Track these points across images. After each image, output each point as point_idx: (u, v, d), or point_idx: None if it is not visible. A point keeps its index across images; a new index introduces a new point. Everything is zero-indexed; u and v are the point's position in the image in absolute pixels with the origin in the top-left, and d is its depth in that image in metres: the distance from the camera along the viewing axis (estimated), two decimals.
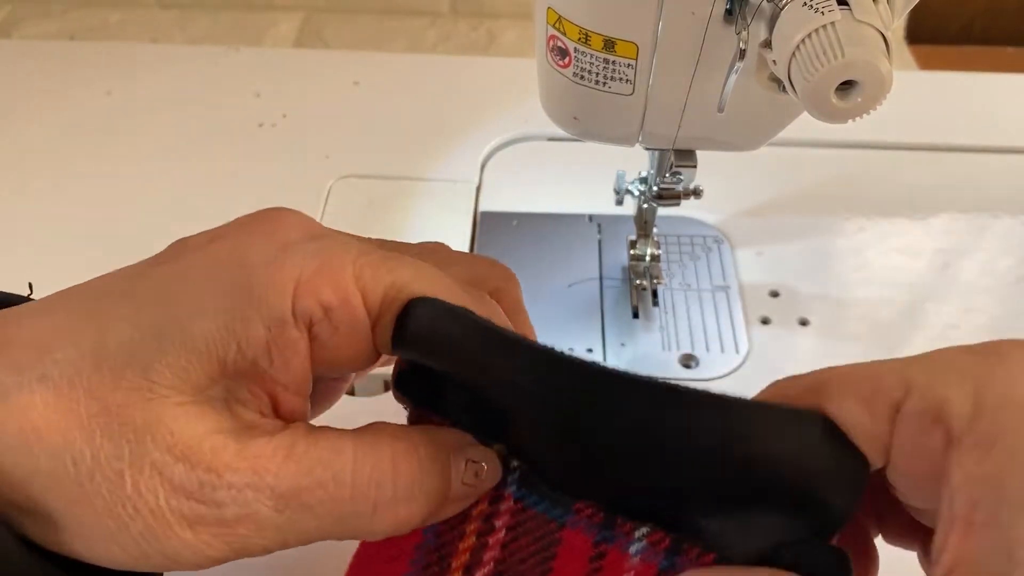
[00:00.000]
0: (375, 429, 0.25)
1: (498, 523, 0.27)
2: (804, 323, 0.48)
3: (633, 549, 0.26)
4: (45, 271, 0.51)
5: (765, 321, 0.48)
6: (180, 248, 0.27)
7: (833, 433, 0.24)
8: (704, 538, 0.25)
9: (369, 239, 0.28)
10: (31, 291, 0.27)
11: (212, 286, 0.23)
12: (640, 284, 0.49)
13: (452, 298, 0.25)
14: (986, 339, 0.49)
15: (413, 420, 0.28)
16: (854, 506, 0.24)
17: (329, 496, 0.23)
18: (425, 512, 0.25)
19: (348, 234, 0.27)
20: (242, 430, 0.23)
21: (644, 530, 0.26)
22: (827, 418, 0.23)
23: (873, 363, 0.24)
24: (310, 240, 0.25)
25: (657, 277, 0.49)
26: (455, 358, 0.25)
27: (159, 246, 0.52)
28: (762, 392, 0.26)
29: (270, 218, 0.26)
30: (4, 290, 0.27)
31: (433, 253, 0.29)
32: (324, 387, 0.29)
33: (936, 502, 0.22)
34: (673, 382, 0.24)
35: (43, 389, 0.22)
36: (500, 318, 0.28)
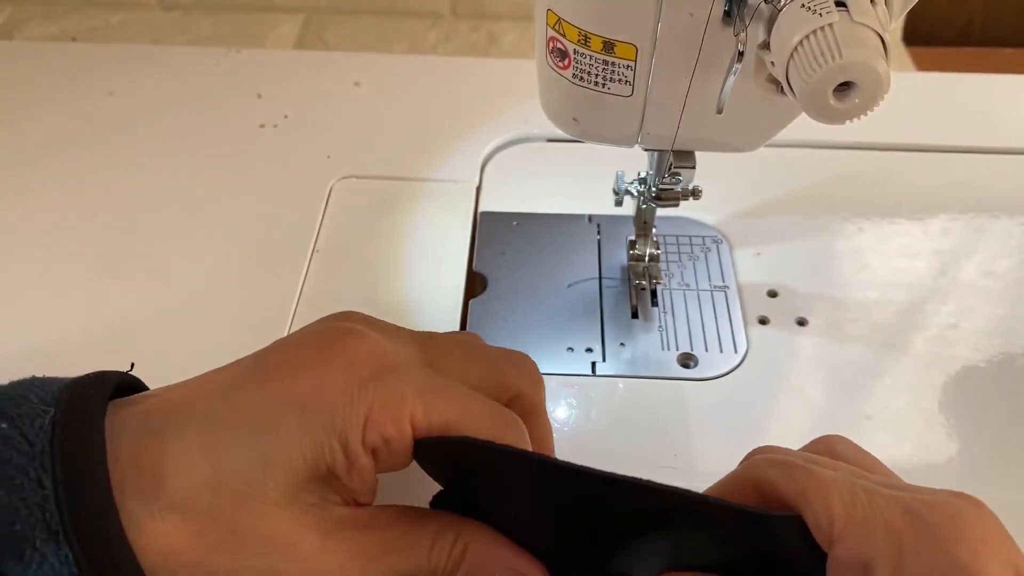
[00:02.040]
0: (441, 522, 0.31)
1: None
2: (802, 323, 0.48)
3: None
4: (47, 271, 0.51)
5: (763, 321, 0.48)
6: (261, 369, 0.30)
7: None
8: None
9: (420, 342, 0.33)
10: (132, 368, 0.31)
11: (302, 421, 0.28)
12: (639, 284, 0.49)
13: (483, 431, 0.30)
14: (985, 339, 0.49)
15: None
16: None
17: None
18: None
19: (408, 356, 0.32)
20: (331, 517, 0.29)
21: None
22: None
23: (817, 485, 0.27)
24: (378, 378, 0.29)
25: (656, 277, 0.49)
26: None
27: (160, 246, 0.53)
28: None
29: (345, 347, 0.30)
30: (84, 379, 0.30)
31: (465, 347, 0.34)
32: None
33: None
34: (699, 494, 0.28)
35: (173, 517, 0.27)
36: (523, 440, 0.32)
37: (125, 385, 0.30)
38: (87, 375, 0.29)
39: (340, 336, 0.31)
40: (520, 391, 0.34)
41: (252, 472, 0.27)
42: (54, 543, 0.25)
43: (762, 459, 0.30)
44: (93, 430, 0.27)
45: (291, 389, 0.29)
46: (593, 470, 0.28)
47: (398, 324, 0.34)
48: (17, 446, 0.26)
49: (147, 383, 0.32)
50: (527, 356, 0.35)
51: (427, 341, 0.33)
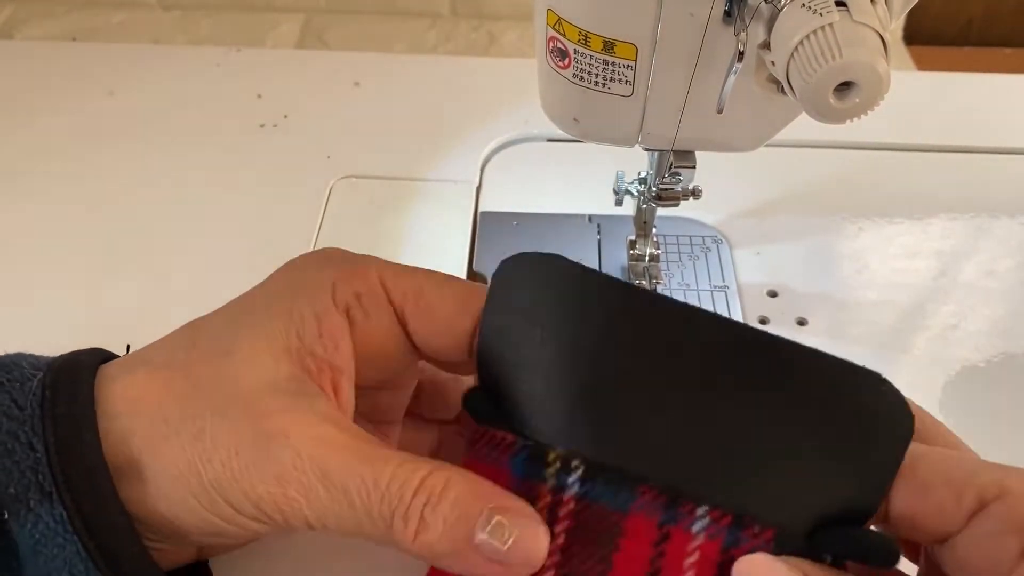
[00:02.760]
0: (428, 458, 0.28)
1: (556, 528, 0.27)
2: (802, 323, 0.48)
3: (696, 527, 0.26)
4: (46, 271, 0.51)
5: (764, 321, 0.48)
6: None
7: (899, 400, 0.26)
8: (764, 513, 0.26)
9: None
10: (128, 350, 0.32)
11: (274, 295, 0.30)
12: (639, 284, 0.49)
13: (465, 301, 0.30)
14: (985, 340, 0.49)
15: (475, 437, 0.29)
16: (894, 475, 0.26)
17: (366, 491, 0.26)
18: (438, 542, 0.26)
19: (379, 258, 0.32)
20: (315, 414, 0.27)
21: (705, 507, 0.27)
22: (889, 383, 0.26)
23: (967, 456, 0.27)
24: (342, 253, 0.31)
25: (656, 277, 0.49)
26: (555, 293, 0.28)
27: (160, 246, 0.53)
28: None
29: (311, 252, 0.32)
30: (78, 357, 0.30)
31: (455, 278, 0.33)
32: (382, 406, 0.34)
33: None
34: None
35: (144, 370, 0.28)
36: None
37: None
38: (82, 349, 0.30)
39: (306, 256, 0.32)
40: None
41: (223, 335, 0.28)
42: (48, 503, 0.26)
43: None
44: (82, 390, 0.27)
45: (265, 284, 0.31)
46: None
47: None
48: (7, 411, 0.27)
49: None
50: None
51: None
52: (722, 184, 0.49)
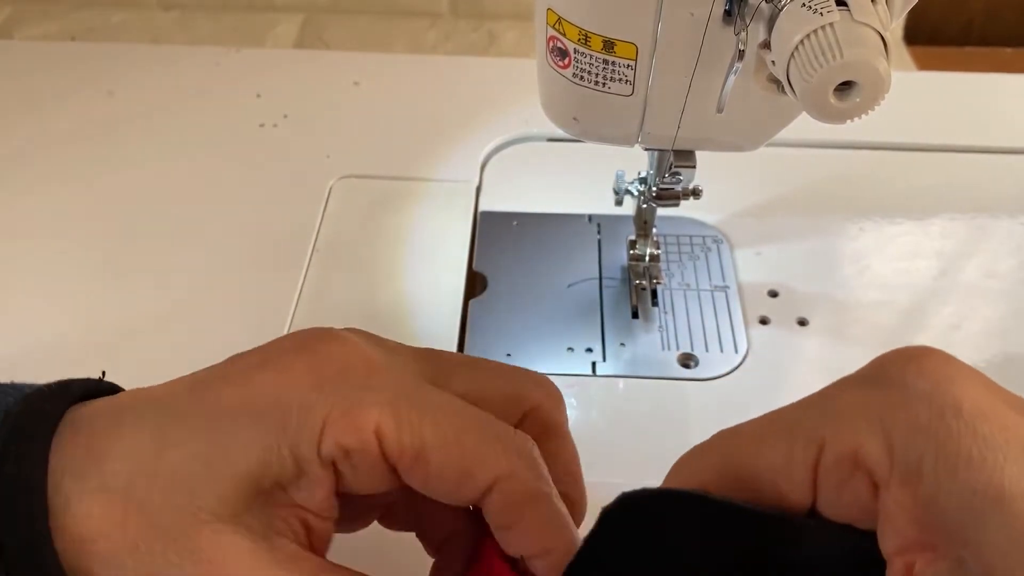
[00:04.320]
0: None
1: None
2: (803, 323, 0.48)
3: None
4: (46, 270, 0.51)
5: (764, 321, 0.48)
6: (232, 369, 0.28)
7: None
8: None
9: (423, 357, 0.29)
10: (103, 376, 0.29)
11: (255, 423, 0.26)
12: (639, 284, 0.49)
13: (471, 472, 0.26)
14: (986, 340, 0.49)
15: None
16: None
17: None
18: None
19: (401, 366, 0.28)
20: (274, 558, 0.25)
21: None
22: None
23: (776, 422, 0.25)
24: (345, 382, 0.27)
25: (656, 277, 0.49)
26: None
27: (160, 245, 0.53)
28: (668, 477, 0.27)
29: (318, 350, 0.27)
30: (79, 375, 0.29)
31: (476, 362, 0.30)
32: (359, 506, 0.30)
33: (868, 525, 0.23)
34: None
35: (101, 499, 0.25)
36: (533, 466, 0.27)
37: (100, 390, 0.29)
38: (54, 383, 0.28)
39: (318, 338, 0.28)
40: (536, 404, 0.29)
41: (192, 469, 0.25)
42: None
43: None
44: (34, 510, 0.24)
45: (253, 389, 0.27)
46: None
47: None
48: None
49: (143, 383, 0.32)
50: (548, 378, 0.31)
51: (431, 356, 0.30)
52: (722, 184, 0.49)
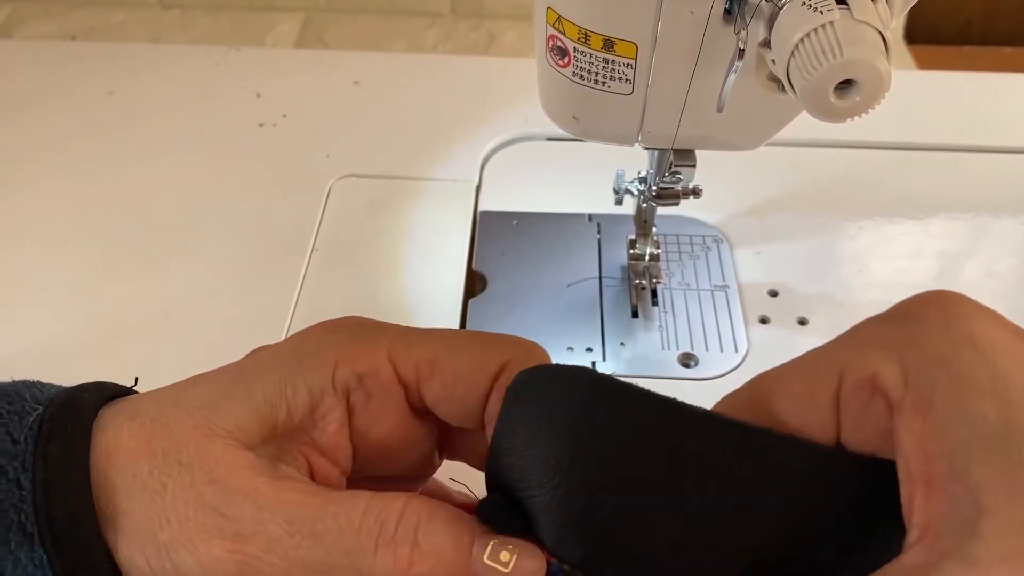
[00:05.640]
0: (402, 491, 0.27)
1: None
2: (803, 323, 0.48)
3: None
4: (46, 270, 0.51)
5: (764, 320, 0.48)
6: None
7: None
8: None
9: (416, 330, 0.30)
10: (136, 383, 0.30)
11: (275, 365, 0.28)
12: (639, 283, 0.49)
13: (480, 364, 0.28)
14: None
15: None
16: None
17: (338, 527, 0.25)
18: (435, 569, 0.25)
19: (395, 325, 0.30)
20: (276, 475, 0.26)
21: None
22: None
23: (802, 358, 0.25)
24: (355, 330, 0.29)
25: (656, 276, 0.49)
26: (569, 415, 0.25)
27: (160, 245, 0.53)
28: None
29: (327, 321, 0.30)
30: (80, 374, 0.30)
31: (459, 333, 0.32)
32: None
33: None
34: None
35: (130, 424, 0.27)
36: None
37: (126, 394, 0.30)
38: (89, 382, 0.29)
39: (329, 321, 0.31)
40: (514, 357, 0.30)
41: (214, 398, 0.27)
42: (28, 546, 0.24)
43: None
44: (78, 431, 0.26)
45: (271, 350, 0.29)
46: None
47: (398, 324, 0.33)
48: (1, 445, 0.25)
49: (143, 382, 0.32)
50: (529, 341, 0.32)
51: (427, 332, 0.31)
52: (722, 183, 0.49)
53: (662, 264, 0.49)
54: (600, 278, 0.50)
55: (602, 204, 0.51)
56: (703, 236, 0.52)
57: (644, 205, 0.47)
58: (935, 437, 0.21)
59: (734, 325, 0.47)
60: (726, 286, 0.50)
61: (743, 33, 0.30)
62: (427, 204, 0.55)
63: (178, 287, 0.50)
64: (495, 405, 0.27)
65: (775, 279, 0.50)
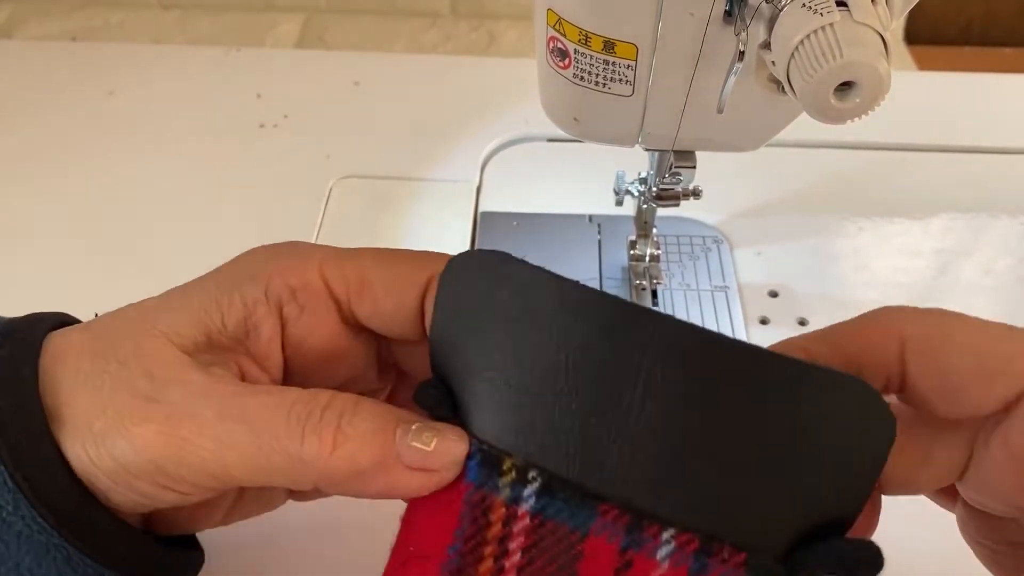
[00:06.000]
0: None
1: (512, 545, 0.25)
2: (803, 323, 0.48)
3: (661, 554, 0.24)
4: (46, 271, 0.51)
5: (764, 321, 0.48)
6: None
7: (873, 398, 0.24)
8: (734, 534, 0.24)
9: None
10: (96, 317, 0.31)
11: (212, 279, 0.30)
12: (640, 284, 0.49)
13: (409, 277, 0.29)
14: None
15: None
16: (875, 481, 0.24)
17: (269, 414, 0.26)
18: (359, 452, 0.26)
19: (329, 246, 0.31)
20: (211, 372, 0.27)
21: (671, 531, 0.24)
22: (866, 384, 0.24)
23: (1003, 334, 0.25)
24: (291, 249, 0.30)
25: (657, 277, 0.49)
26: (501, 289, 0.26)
27: (160, 246, 0.53)
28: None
29: (267, 245, 0.31)
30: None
31: (400, 253, 0.32)
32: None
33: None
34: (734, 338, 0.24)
35: (79, 333, 0.29)
36: None
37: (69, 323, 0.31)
38: (25, 315, 0.30)
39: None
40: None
41: (155, 307, 0.29)
42: None
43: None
44: (30, 337, 0.28)
45: (215, 270, 0.30)
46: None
47: (332, 246, 0.34)
48: None
49: None
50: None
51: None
52: (722, 184, 0.49)
53: (662, 265, 0.49)
54: (600, 279, 0.50)
55: (602, 205, 0.51)
56: (703, 237, 0.52)
57: (644, 206, 0.47)
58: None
59: (734, 326, 0.48)
60: (726, 287, 0.50)
61: (743, 35, 0.30)
62: (427, 205, 0.55)
63: None
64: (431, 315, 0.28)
65: (775, 280, 0.50)
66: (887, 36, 0.26)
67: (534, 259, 0.26)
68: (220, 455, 0.26)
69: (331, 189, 0.56)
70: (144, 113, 0.62)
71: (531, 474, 0.25)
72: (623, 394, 0.24)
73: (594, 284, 0.50)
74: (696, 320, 0.48)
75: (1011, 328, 0.25)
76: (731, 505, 0.24)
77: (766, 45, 0.28)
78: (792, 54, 0.26)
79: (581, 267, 0.51)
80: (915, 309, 0.26)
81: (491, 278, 0.26)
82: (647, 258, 0.49)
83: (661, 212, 0.47)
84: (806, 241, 0.53)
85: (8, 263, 0.51)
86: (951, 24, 0.87)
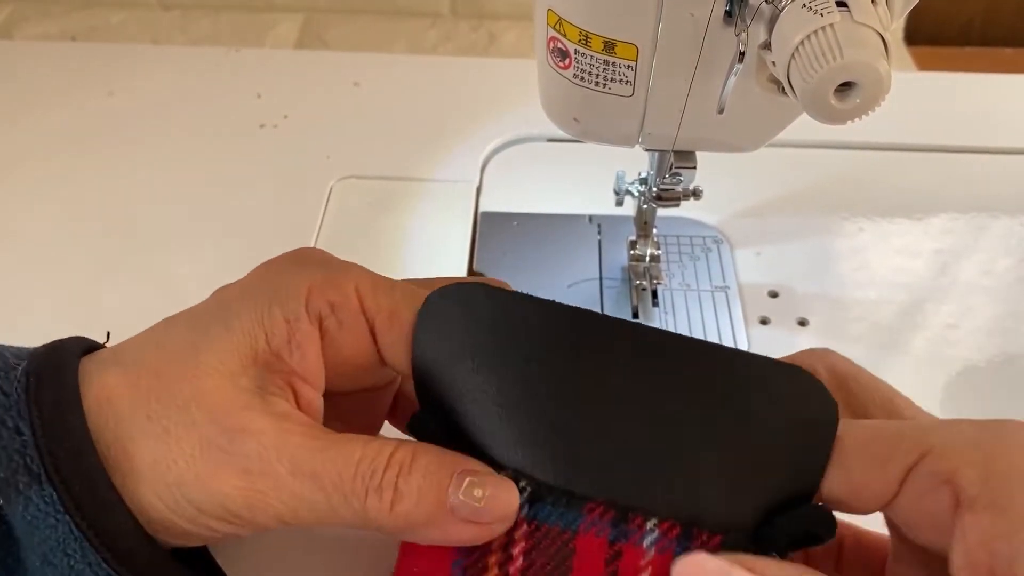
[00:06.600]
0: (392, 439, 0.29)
1: (515, 551, 0.27)
2: (803, 323, 0.48)
3: (647, 542, 0.27)
4: (46, 271, 0.51)
5: (764, 321, 0.48)
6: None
7: (818, 387, 0.27)
8: (709, 520, 0.27)
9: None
10: (107, 339, 0.32)
11: (247, 298, 0.29)
12: (640, 284, 0.49)
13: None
14: (985, 339, 0.49)
15: None
16: (828, 457, 0.27)
17: (337, 473, 0.27)
18: (414, 509, 0.27)
19: (360, 265, 0.32)
20: (274, 412, 0.28)
21: (654, 520, 0.27)
22: (807, 372, 0.28)
23: (886, 425, 0.27)
24: (323, 263, 0.31)
25: (657, 277, 0.49)
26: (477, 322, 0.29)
27: (160, 246, 0.53)
28: None
29: (292, 251, 0.32)
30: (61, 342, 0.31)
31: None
32: (357, 409, 0.34)
33: (934, 542, 0.26)
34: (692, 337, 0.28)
35: (116, 371, 0.28)
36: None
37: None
38: (64, 338, 0.30)
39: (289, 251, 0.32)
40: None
41: (194, 339, 0.29)
42: (37, 485, 0.26)
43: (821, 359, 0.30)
44: (67, 376, 0.28)
45: (246, 280, 0.31)
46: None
47: (363, 266, 0.34)
48: None
49: None
50: None
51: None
52: (722, 184, 0.49)
53: (662, 265, 0.50)
54: (600, 279, 0.50)
55: (603, 205, 0.51)
56: (703, 237, 0.52)
57: (644, 206, 0.47)
58: (1004, 537, 0.23)
59: (734, 326, 0.48)
60: (726, 287, 0.50)
61: (743, 35, 0.30)
62: (428, 205, 0.55)
63: (178, 288, 0.50)
64: None
65: (775, 280, 0.50)
66: (887, 36, 0.26)
67: (534, 259, 0.27)
68: (293, 508, 0.27)
69: (331, 189, 0.56)
70: (144, 113, 0.62)
71: (521, 484, 0.28)
72: (594, 402, 0.28)
73: (594, 284, 0.50)
74: (697, 320, 0.48)
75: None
76: (704, 491, 0.27)
77: (766, 45, 0.28)
78: (792, 54, 0.26)
79: (581, 267, 0.51)
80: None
81: (464, 311, 0.29)
82: (647, 258, 0.49)
83: (661, 212, 0.47)
84: (806, 241, 0.53)
85: (7, 263, 0.51)
86: (951, 24, 0.87)
